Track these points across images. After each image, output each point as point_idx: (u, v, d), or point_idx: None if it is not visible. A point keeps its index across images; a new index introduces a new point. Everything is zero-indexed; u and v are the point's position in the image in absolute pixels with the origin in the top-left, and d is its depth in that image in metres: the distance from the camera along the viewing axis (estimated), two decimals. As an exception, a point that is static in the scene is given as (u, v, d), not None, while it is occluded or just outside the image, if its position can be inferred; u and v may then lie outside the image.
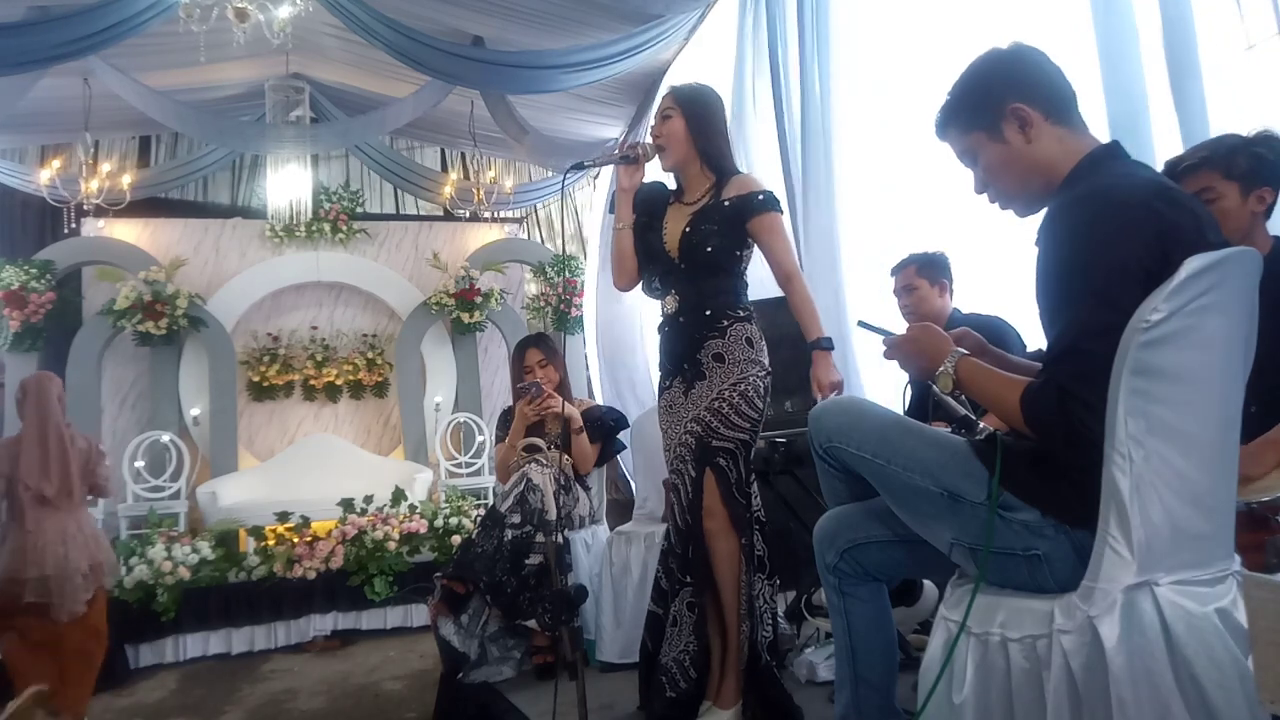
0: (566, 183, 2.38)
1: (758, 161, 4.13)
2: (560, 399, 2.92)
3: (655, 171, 2.28)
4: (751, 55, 4.24)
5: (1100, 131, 1.41)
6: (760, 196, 2.07)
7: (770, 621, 2.12)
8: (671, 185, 2.27)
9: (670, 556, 2.11)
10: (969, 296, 2.86)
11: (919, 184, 3.09)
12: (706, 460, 2.02)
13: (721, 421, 2.02)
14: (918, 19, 3.21)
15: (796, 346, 3.45)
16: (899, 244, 3.02)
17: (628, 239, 2.19)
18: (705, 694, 2.05)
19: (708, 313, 2.08)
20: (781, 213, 2.12)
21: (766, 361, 2.11)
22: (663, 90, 5.53)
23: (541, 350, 3.08)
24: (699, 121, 2.12)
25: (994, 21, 2.79)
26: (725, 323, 2.07)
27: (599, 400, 6.63)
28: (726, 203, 2.08)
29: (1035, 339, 2.50)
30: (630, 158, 2.18)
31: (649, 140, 2.19)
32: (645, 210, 2.20)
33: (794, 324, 3.52)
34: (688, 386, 2.09)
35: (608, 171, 6.78)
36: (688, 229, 2.10)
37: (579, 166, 2.25)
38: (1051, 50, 1.33)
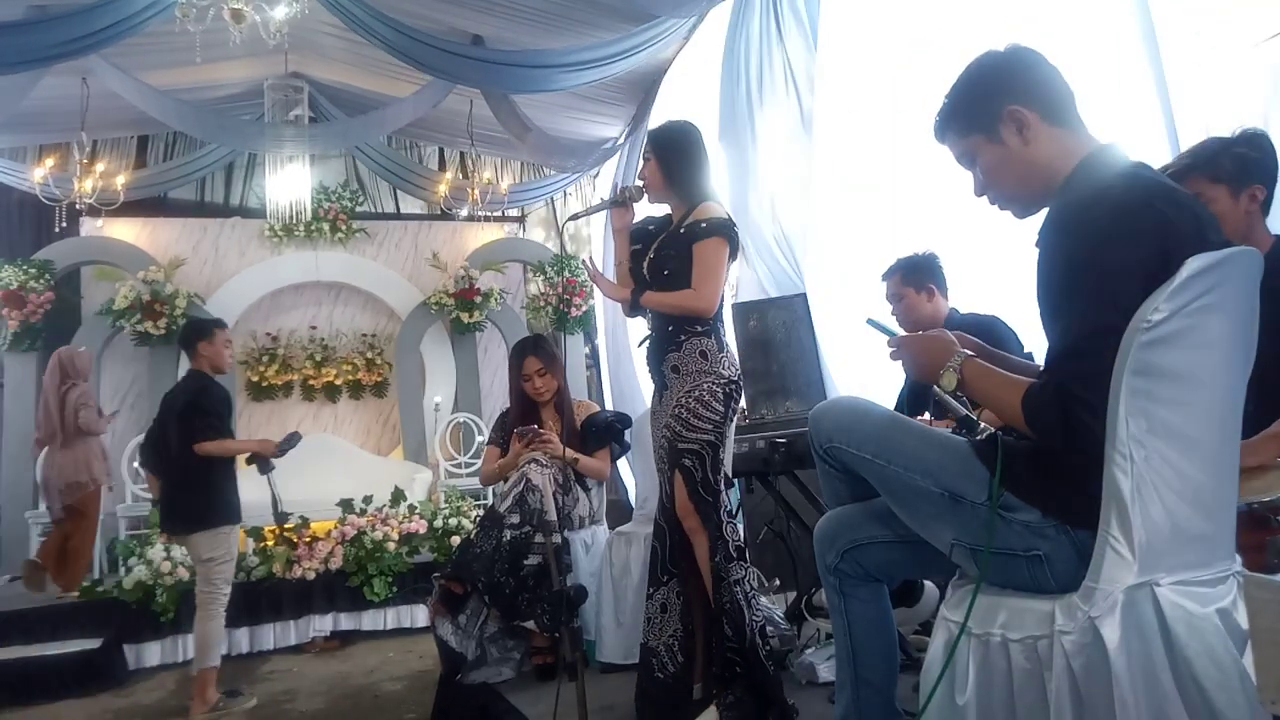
0: (565, 223, 2.49)
1: (760, 156, 4.14)
2: (559, 443, 2.88)
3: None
4: (745, 51, 4.24)
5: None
6: (704, 224, 2.23)
7: (760, 610, 2.21)
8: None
9: (656, 549, 2.28)
10: (972, 297, 2.84)
11: (924, 182, 3.08)
12: (675, 462, 2.20)
13: (684, 426, 2.19)
14: (917, 16, 3.21)
15: (796, 348, 3.46)
16: (901, 243, 3.00)
17: (625, 273, 2.39)
18: (692, 678, 2.22)
19: (669, 329, 2.27)
20: (723, 239, 2.23)
21: (725, 372, 2.25)
22: (664, 86, 5.59)
23: (540, 359, 3.03)
24: (670, 163, 2.31)
25: (1000, 20, 2.80)
26: (682, 338, 2.25)
27: (608, 398, 6.62)
28: (682, 230, 2.27)
29: (1035, 339, 2.50)
30: (619, 201, 2.38)
31: (636, 182, 2.39)
32: (642, 239, 2.39)
33: (789, 327, 3.53)
34: (660, 395, 2.31)
35: (610, 168, 6.79)
36: (652, 254, 2.32)
37: (575, 217, 2.61)
38: (1069, 50, 1.33)
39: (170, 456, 3.34)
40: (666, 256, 2.26)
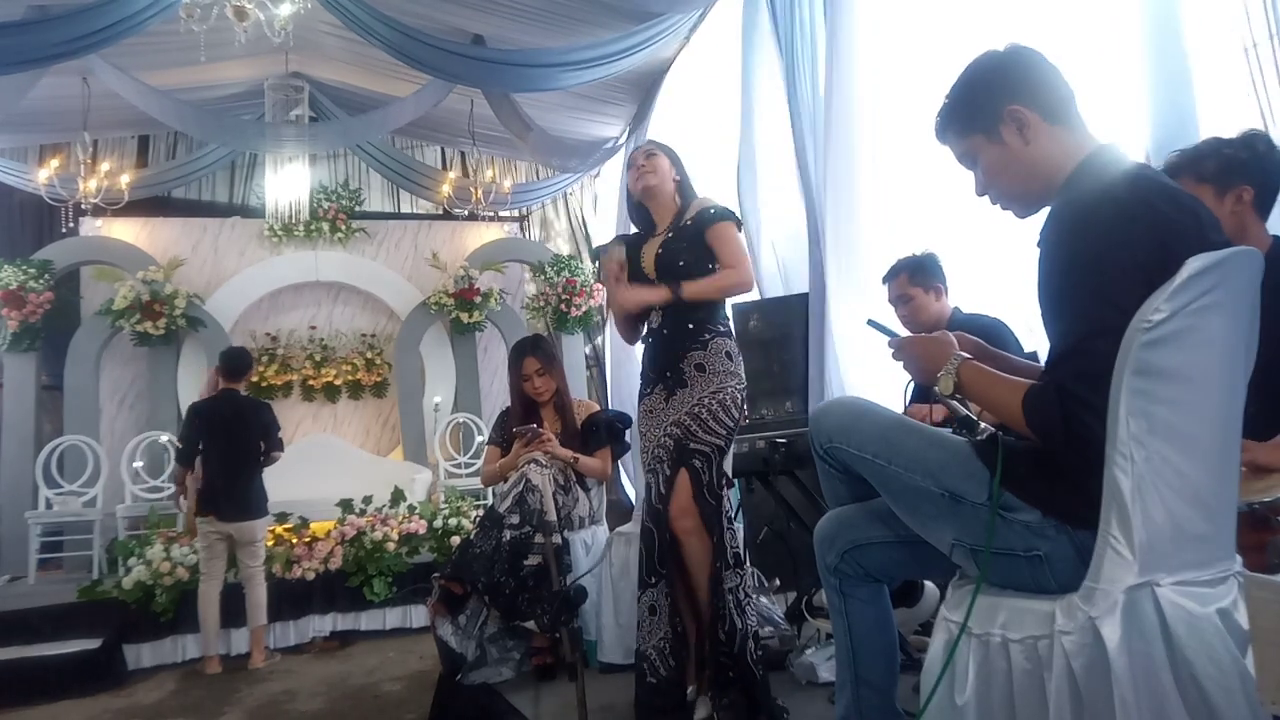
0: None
1: (768, 160, 4.14)
2: (557, 444, 2.90)
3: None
4: (760, 51, 4.22)
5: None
6: (712, 210, 2.29)
7: (753, 615, 2.21)
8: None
9: (644, 552, 2.25)
10: (972, 297, 2.83)
11: (933, 179, 3.07)
12: (683, 461, 2.18)
13: (700, 426, 2.18)
14: (933, 14, 3.21)
15: (796, 347, 3.46)
16: (912, 240, 2.99)
17: (630, 320, 2.40)
18: (684, 679, 2.19)
19: (690, 326, 2.26)
20: (734, 222, 2.32)
21: (743, 375, 2.27)
22: (665, 86, 5.56)
23: (539, 359, 3.03)
24: (675, 159, 2.43)
25: (1012, 16, 2.79)
26: (707, 336, 2.25)
27: (610, 397, 6.61)
28: (689, 221, 2.31)
29: (1036, 339, 2.50)
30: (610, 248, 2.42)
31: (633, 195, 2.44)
32: (628, 250, 2.43)
33: (793, 324, 3.52)
34: (669, 393, 2.25)
35: (610, 168, 6.79)
36: (660, 250, 2.32)
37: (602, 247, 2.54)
38: (1057, 50, 1.32)
39: (255, 459, 4.11)
40: (679, 249, 2.28)
